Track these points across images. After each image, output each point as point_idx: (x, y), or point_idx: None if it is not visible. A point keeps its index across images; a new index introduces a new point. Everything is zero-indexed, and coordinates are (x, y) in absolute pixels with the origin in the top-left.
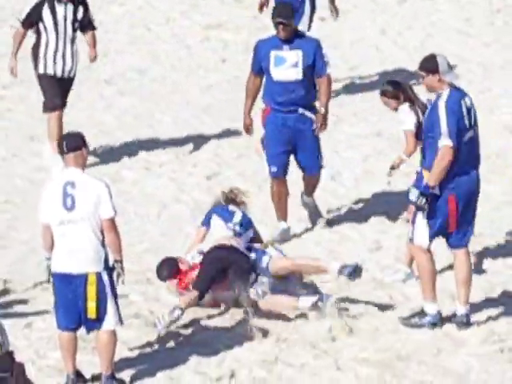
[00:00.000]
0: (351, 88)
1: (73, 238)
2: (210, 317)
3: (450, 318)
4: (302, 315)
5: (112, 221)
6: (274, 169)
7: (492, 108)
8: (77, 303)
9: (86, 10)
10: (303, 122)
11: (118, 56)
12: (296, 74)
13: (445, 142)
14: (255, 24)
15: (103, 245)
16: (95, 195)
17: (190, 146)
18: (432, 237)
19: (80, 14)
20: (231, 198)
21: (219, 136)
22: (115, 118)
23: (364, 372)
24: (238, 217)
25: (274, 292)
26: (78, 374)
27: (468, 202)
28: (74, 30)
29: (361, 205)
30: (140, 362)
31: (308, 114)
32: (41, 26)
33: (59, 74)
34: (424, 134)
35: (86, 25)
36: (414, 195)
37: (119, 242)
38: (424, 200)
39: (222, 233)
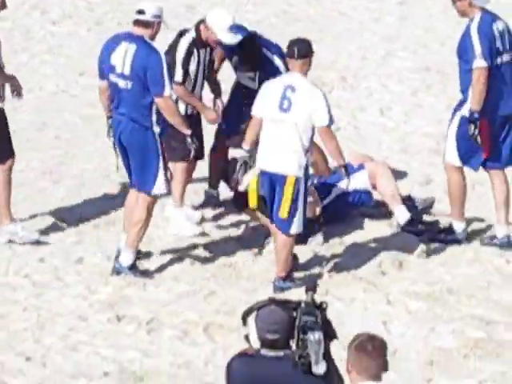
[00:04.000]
0: (400, 22)
1: (279, 139)
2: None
3: (500, 252)
4: (352, 249)
5: (328, 129)
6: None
7: None
8: (273, 202)
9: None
10: None
11: None
12: None
13: (478, 64)
14: None
15: (306, 153)
16: (313, 103)
17: None
18: (470, 159)
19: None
20: None
21: None
22: None
23: (414, 305)
24: None
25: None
26: None
27: (503, 126)
28: (205, 76)
29: (410, 138)
30: None
31: None
32: None
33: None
34: (458, 59)
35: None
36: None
37: (337, 147)
38: (473, 126)
39: None
